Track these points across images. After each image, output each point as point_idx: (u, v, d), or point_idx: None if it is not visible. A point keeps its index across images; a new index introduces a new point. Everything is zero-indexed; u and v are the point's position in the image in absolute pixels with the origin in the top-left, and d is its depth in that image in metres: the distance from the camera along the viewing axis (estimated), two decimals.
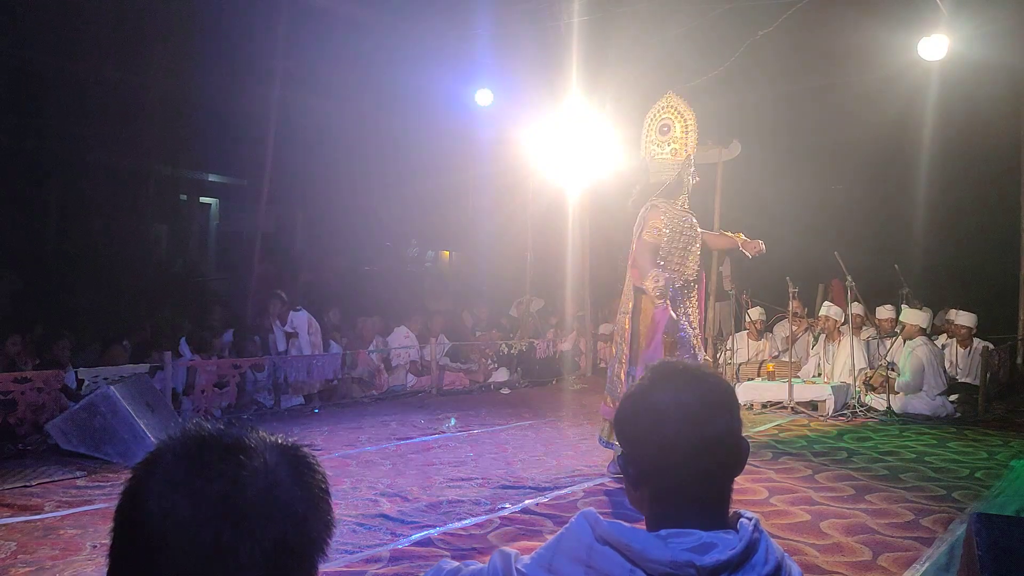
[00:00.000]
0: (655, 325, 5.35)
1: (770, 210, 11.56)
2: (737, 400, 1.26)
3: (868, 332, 9.44)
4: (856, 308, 8.97)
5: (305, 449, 0.90)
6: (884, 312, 9.30)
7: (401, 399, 9.34)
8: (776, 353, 10.21)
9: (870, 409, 8.29)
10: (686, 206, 5.70)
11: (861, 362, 8.74)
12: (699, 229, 5.77)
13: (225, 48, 11.02)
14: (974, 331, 9.09)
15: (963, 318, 9.08)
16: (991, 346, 9.08)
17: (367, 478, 5.48)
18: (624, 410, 1.24)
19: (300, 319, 9.10)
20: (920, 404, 8.21)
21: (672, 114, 5.74)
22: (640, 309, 5.48)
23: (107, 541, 0.84)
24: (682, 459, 1.16)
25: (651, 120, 5.89)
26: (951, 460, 6.23)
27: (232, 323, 9.47)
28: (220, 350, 8.45)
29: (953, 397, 8.42)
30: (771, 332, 10.60)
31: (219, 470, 0.81)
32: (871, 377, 8.54)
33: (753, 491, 5.11)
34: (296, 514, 0.83)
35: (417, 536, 4.21)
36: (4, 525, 4.38)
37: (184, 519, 0.78)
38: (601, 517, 1.15)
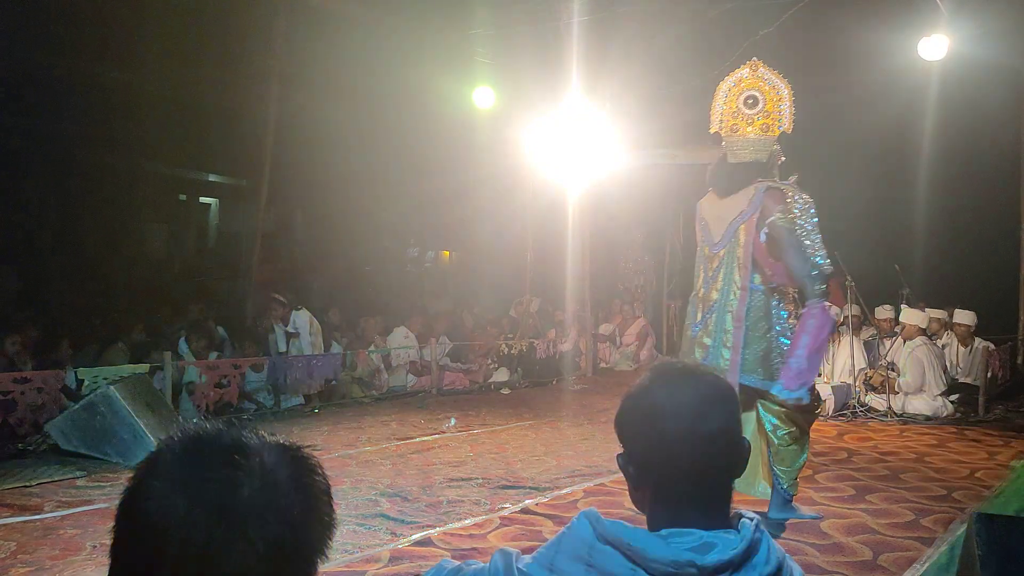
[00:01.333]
0: (820, 329, 4.49)
1: None
2: (737, 399, 1.25)
3: (868, 332, 9.44)
4: (855, 308, 8.97)
5: (305, 450, 0.90)
6: (883, 312, 9.31)
7: (401, 399, 9.33)
8: None
9: (870, 409, 8.29)
10: (797, 184, 4.93)
11: (861, 362, 8.74)
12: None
13: (224, 48, 11.03)
14: (972, 328, 9.07)
15: (962, 316, 9.07)
16: (992, 346, 9.08)
17: (367, 478, 5.48)
18: (623, 409, 1.24)
19: (302, 319, 9.08)
20: (920, 404, 8.21)
21: (762, 84, 4.99)
22: (758, 310, 4.67)
23: (108, 540, 0.84)
24: (681, 458, 1.16)
25: (730, 90, 5.07)
26: (951, 460, 6.23)
27: (230, 322, 9.48)
28: (218, 346, 8.45)
29: (953, 397, 8.43)
30: None
31: (215, 470, 0.81)
32: (871, 377, 8.54)
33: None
34: (292, 515, 0.82)
35: (417, 536, 4.21)
36: (4, 525, 4.38)
37: (179, 519, 0.78)
38: (602, 516, 1.15)
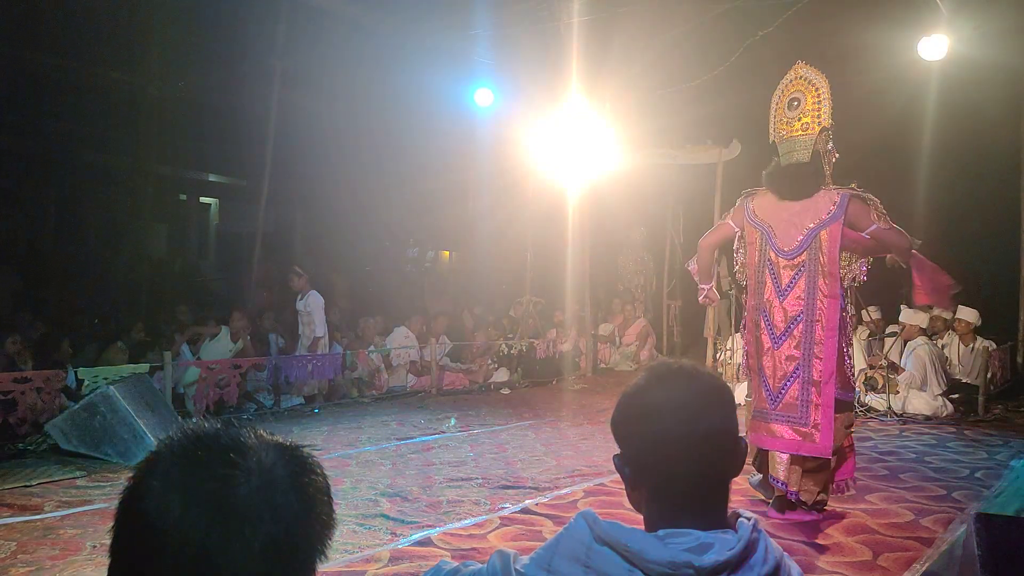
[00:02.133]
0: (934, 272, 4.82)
1: None
2: (733, 399, 1.24)
3: (865, 332, 9.45)
4: (854, 309, 8.98)
5: (304, 450, 0.90)
6: (872, 312, 9.36)
7: (401, 399, 9.33)
8: None
9: (870, 409, 8.29)
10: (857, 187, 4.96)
11: (861, 362, 8.74)
12: None
13: (225, 48, 11.04)
14: (975, 326, 9.06)
15: (965, 313, 9.06)
16: (992, 345, 9.08)
17: (367, 478, 5.48)
18: (620, 409, 1.24)
19: (316, 299, 9.04)
20: (920, 404, 8.21)
21: (803, 85, 4.94)
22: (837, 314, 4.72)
23: (107, 540, 0.84)
24: (677, 458, 1.16)
25: (779, 98, 5.06)
26: (951, 460, 6.23)
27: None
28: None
29: (953, 397, 8.42)
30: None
31: (212, 470, 0.81)
32: (871, 376, 8.54)
33: (754, 491, 5.10)
34: (289, 515, 0.82)
35: (417, 536, 4.21)
36: (4, 525, 4.38)
37: (177, 518, 0.78)
38: (600, 517, 1.15)
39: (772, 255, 4.72)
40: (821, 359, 4.45)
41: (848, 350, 4.65)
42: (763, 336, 4.67)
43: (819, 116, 4.86)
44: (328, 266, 13.72)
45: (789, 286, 4.63)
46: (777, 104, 5.02)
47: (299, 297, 8.95)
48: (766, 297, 4.70)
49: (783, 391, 4.53)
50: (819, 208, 4.64)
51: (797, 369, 4.50)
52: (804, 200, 4.70)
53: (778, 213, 4.79)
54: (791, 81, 5.00)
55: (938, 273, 4.74)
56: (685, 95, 10.47)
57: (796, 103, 4.92)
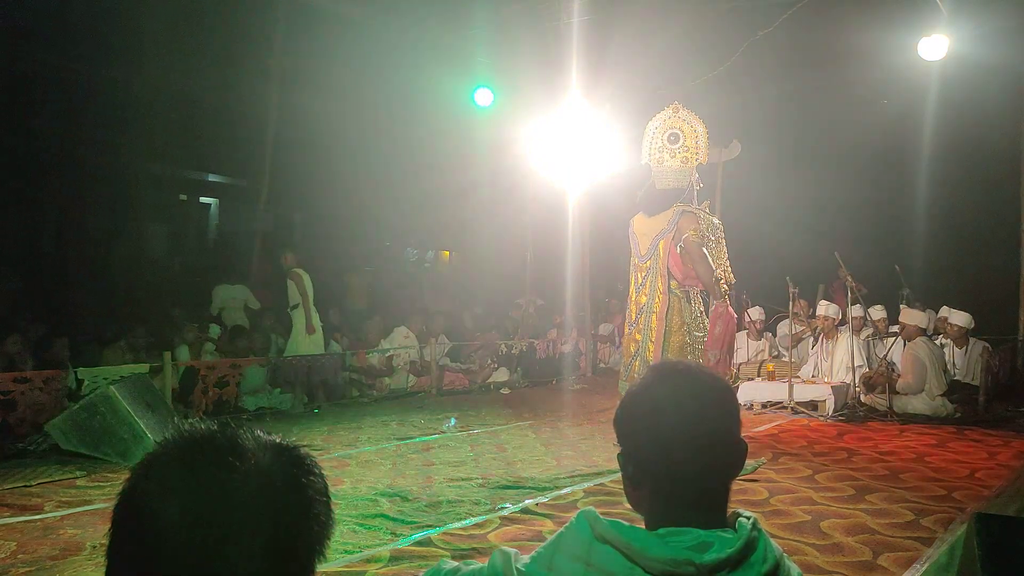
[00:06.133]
0: (727, 326, 5.87)
1: (770, 210, 11.57)
2: (736, 400, 1.26)
3: (868, 332, 9.44)
4: (857, 309, 8.97)
5: (303, 450, 0.89)
6: (876, 312, 9.32)
7: (401, 399, 9.33)
8: (777, 353, 10.20)
9: (870, 409, 8.28)
10: (708, 209, 6.24)
11: (859, 361, 8.73)
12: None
13: (225, 48, 11.04)
14: (966, 330, 9.05)
15: (957, 317, 9.05)
16: (988, 346, 9.05)
17: (367, 478, 5.48)
18: (623, 408, 1.25)
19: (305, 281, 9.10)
20: (920, 404, 8.20)
21: (682, 124, 6.11)
22: (674, 309, 5.89)
23: (106, 541, 0.84)
24: (679, 457, 1.16)
25: (657, 128, 6.24)
26: (951, 460, 6.23)
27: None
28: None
29: (953, 397, 8.41)
30: (771, 332, 10.60)
31: (211, 472, 0.81)
32: (871, 376, 8.54)
33: (753, 491, 5.11)
34: (288, 516, 0.82)
35: (417, 536, 4.20)
36: (4, 525, 4.38)
37: (174, 521, 0.78)
38: (601, 515, 1.15)
39: (635, 259, 6.06)
40: (653, 342, 5.68)
41: (692, 333, 5.86)
42: (624, 323, 6.10)
43: (697, 153, 6.11)
44: (338, 265, 13.73)
45: (642, 284, 5.97)
46: (654, 134, 6.22)
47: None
48: (629, 292, 6.07)
49: (630, 367, 5.89)
50: (662, 222, 5.98)
51: (638, 350, 5.76)
52: (657, 216, 6.05)
53: (642, 226, 6.14)
54: (668, 117, 6.23)
55: (724, 330, 5.95)
56: (685, 95, 10.45)
57: (675, 138, 6.11)
